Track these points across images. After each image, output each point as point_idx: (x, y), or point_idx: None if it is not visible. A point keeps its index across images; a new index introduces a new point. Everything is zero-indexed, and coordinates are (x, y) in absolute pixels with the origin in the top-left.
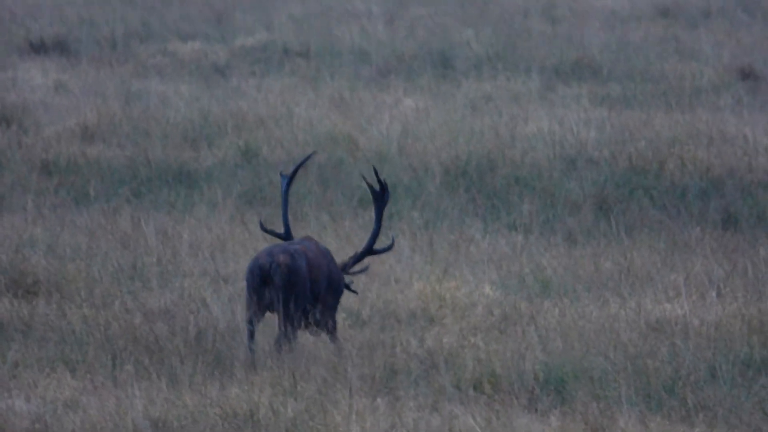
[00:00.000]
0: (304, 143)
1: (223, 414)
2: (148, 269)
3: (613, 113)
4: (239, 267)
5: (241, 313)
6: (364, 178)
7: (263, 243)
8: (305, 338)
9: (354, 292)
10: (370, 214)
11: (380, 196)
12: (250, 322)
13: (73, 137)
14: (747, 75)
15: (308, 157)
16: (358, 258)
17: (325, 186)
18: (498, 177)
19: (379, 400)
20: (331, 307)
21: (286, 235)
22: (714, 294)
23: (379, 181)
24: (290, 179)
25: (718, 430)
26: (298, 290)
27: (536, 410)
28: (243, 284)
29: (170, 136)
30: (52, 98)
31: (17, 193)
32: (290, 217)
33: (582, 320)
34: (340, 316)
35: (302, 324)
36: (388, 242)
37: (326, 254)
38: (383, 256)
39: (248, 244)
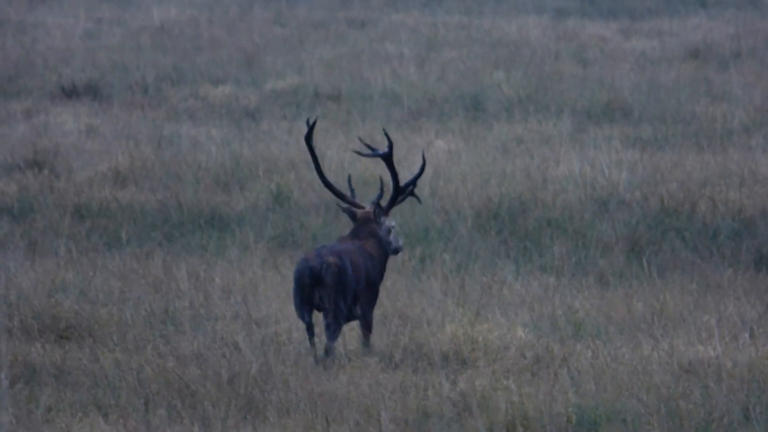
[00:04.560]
0: (335, 186)
1: None
2: (180, 313)
3: (644, 155)
4: (271, 311)
5: (273, 357)
6: (361, 140)
7: None
8: (338, 381)
9: (418, 199)
10: (403, 254)
11: (387, 156)
12: (305, 321)
13: (105, 181)
14: None
15: (316, 120)
16: (393, 200)
17: None
18: (530, 219)
19: None
20: (370, 303)
21: (321, 179)
22: (747, 335)
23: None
24: (310, 129)
25: None
26: (347, 289)
27: None
28: (276, 327)
29: (202, 180)
30: (84, 143)
31: (49, 238)
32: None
33: (614, 362)
34: (373, 359)
35: (345, 319)
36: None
37: (362, 251)
38: (415, 299)
39: (280, 288)
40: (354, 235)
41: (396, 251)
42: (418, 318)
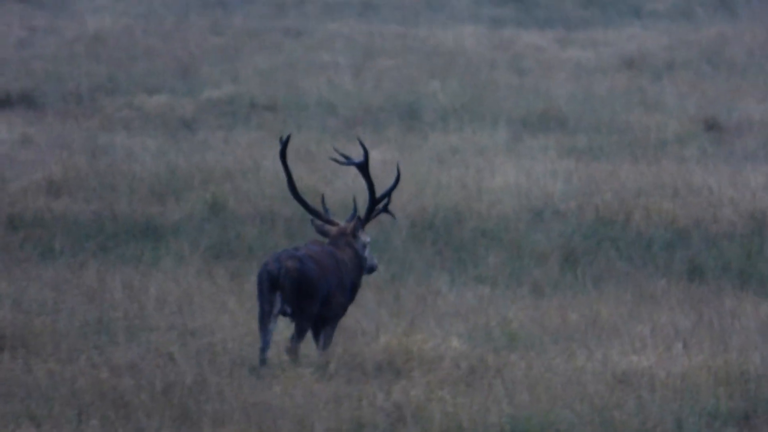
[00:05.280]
0: (271, 197)
1: None
2: (114, 324)
3: (579, 165)
4: (206, 321)
5: (208, 367)
6: (336, 150)
7: (231, 296)
8: (272, 392)
9: (392, 215)
10: None
11: (363, 165)
12: (263, 330)
13: (39, 191)
14: (711, 126)
15: (289, 136)
16: (369, 211)
17: (292, 239)
18: (465, 229)
19: None
20: (340, 307)
21: (294, 195)
22: (680, 345)
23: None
24: (284, 145)
25: None
26: (308, 294)
27: None
28: (211, 338)
29: (137, 190)
30: (18, 152)
31: None
32: (257, 270)
33: (549, 373)
34: (307, 370)
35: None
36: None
37: (334, 256)
38: (349, 309)
39: (215, 298)
40: (331, 244)
41: (371, 270)
42: (353, 328)
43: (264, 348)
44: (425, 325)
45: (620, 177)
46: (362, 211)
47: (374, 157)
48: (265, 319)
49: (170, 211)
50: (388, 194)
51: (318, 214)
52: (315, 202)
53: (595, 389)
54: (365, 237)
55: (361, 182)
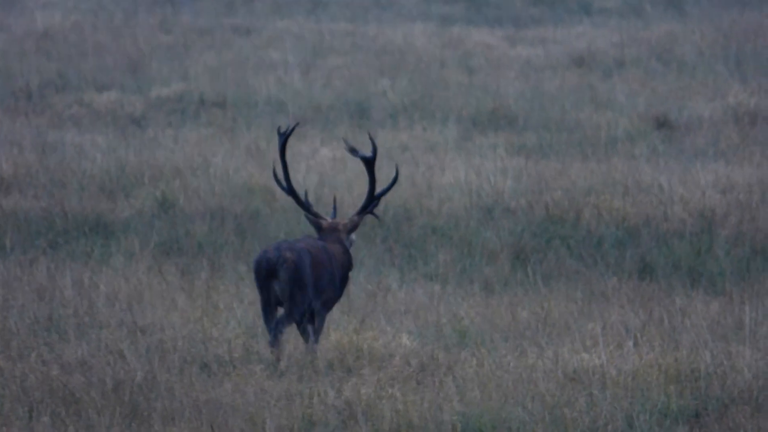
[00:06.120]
0: (220, 194)
1: None
2: (64, 321)
3: (529, 162)
4: (156, 318)
5: (158, 364)
6: (346, 142)
7: (181, 293)
8: (223, 389)
9: (377, 216)
10: None
11: (370, 160)
12: (267, 320)
13: None
14: (662, 124)
15: (295, 126)
16: (365, 207)
17: (242, 236)
18: (415, 227)
19: None
20: (328, 302)
21: (289, 189)
22: (631, 343)
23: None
24: (285, 138)
25: None
26: (303, 284)
27: None
28: (161, 335)
29: (87, 187)
30: None
31: None
32: (207, 267)
33: (499, 370)
34: (258, 367)
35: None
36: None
37: (326, 250)
38: None
39: (165, 295)
40: (322, 239)
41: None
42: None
43: (272, 336)
44: (376, 323)
45: (570, 175)
46: (340, 212)
47: (324, 154)
48: (267, 308)
49: (120, 208)
50: (384, 193)
51: (308, 209)
52: (265, 199)
53: (546, 387)
54: (352, 236)
55: (311, 180)
